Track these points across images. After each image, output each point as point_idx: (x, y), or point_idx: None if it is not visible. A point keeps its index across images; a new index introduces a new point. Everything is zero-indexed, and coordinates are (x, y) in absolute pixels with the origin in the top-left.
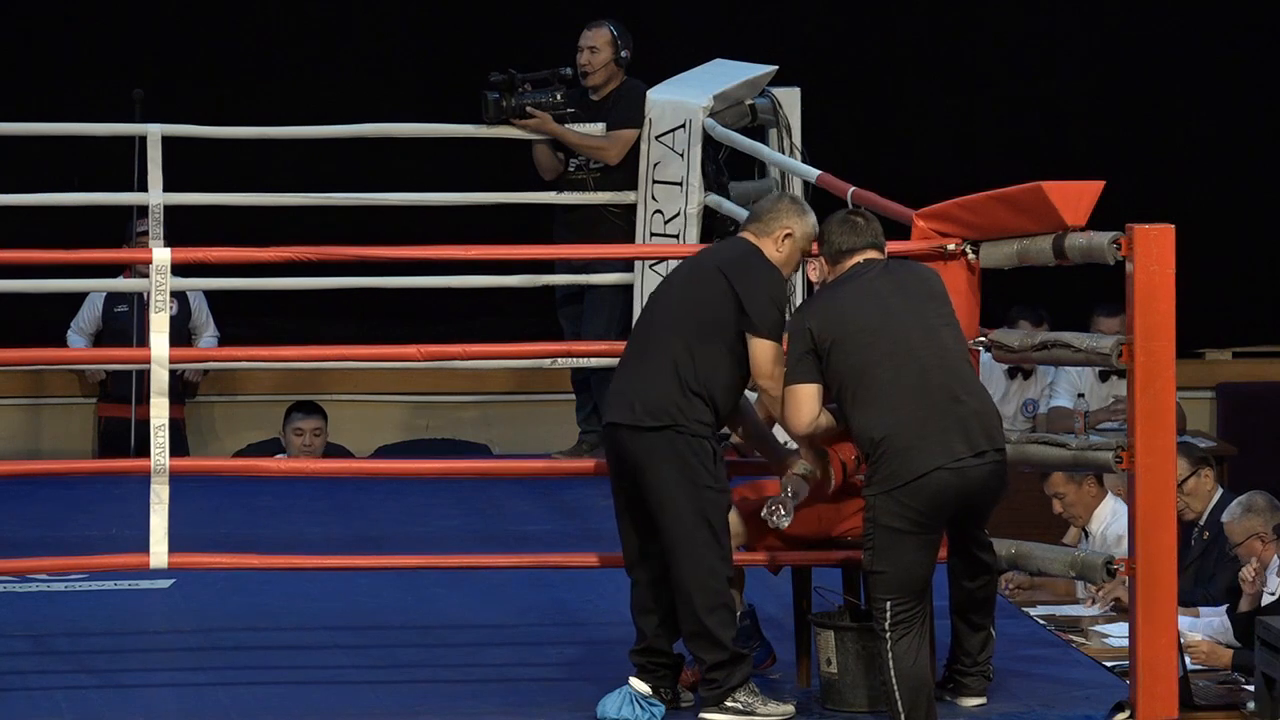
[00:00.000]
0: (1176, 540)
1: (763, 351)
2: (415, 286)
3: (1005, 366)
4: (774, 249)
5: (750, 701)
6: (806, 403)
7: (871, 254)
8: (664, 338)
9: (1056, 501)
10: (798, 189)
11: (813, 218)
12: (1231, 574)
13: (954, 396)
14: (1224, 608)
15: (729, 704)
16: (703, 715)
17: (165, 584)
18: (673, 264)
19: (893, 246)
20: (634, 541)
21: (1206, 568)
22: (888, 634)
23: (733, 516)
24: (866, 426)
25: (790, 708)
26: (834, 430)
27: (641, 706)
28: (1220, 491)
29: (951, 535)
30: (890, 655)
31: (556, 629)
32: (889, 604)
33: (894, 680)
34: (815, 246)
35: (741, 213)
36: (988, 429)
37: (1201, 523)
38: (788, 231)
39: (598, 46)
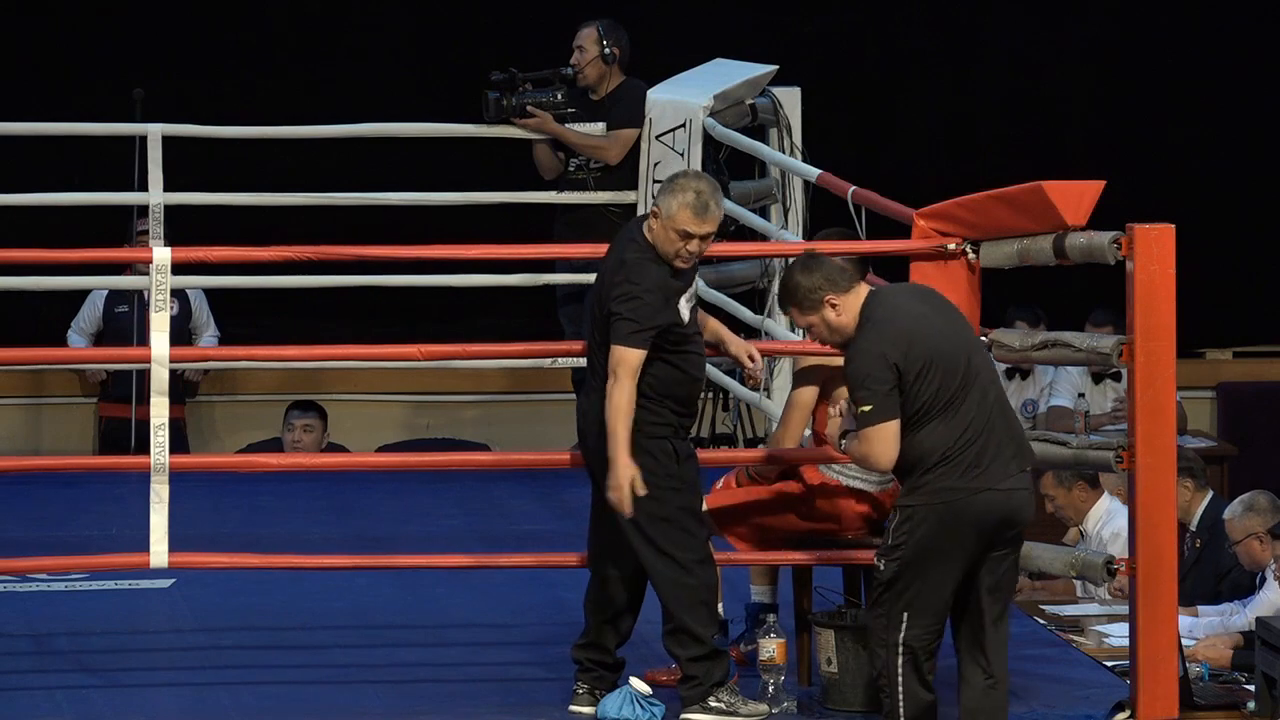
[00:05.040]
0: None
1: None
2: (415, 286)
3: (1003, 366)
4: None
5: (732, 701)
6: (896, 440)
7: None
8: (587, 337)
9: (1048, 501)
10: (798, 189)
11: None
12: (1234, 572)
13: (1003, 411)
14: (1224, 606)
15: (712, 703)
16: (685, 715)
17: (165, 583)
18: None
19: (893, 245)
20: (602, 537)
21: (1204, 574)
22: (900, 649)
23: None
24: (938, 440)
25: (765, 707)
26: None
27: (642, 706)
28: (1210, 496)
29: None
30: (900, 675)
31: (556, 629)
32: (906, 616)
33: (900, 702)
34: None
35: (742, 213)
36: (1027, 444)
37: (1193, 529)
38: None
39: (584, 46)
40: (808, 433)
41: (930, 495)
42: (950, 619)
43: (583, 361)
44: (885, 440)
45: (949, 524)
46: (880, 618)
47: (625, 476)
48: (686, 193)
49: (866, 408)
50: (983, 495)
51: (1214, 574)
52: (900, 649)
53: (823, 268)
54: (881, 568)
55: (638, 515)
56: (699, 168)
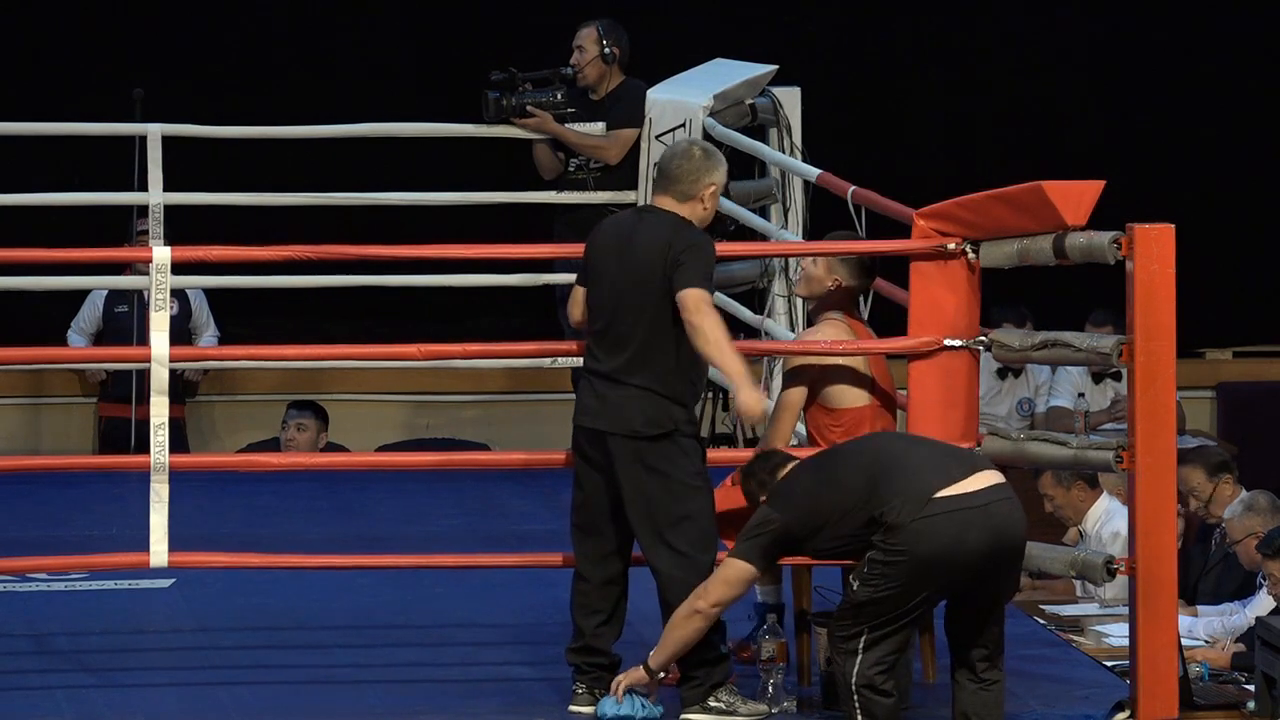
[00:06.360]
0: (1178, 540)
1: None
2: (415, 286)
3: (995, 365)
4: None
5: (732, 701)
6: (741, 585)
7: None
8: (627, 334)
9: (1048, 501)
10: (798, 189)
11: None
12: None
13: (909, 449)
14: (1224, 606)
15: (711, 703)
16: (685, 715)
17: (165, 583)
18: None
19: (893, 245)
20: (595, 542)
21: (1231, 571)
22: (859, 657)
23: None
24: (887, 495)
25: (765, 707)
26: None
27: (642, 706)
28: (1243, 493)
29: None
30: (855, 681)
31: (556, 629)
32: (866, 628)
33: (857, 709)
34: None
35: (742, 213)
36: (963, 453)
37: (1224, 525)
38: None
39: (584, 46)
40: (803, 430)
41: (900, 532)
42: (945, 623)
43: (581, 362)
44: (729, 577)
45: (923, 559)
46: (843, 627)
47: (759, 400)
48: (715, 156)
49: (739, 545)
50: (947, 517)
51: (1242, 571)
52: (859, 658)
53: (767, 466)
54: (855, 588)
55: (659, 516)
56: None
